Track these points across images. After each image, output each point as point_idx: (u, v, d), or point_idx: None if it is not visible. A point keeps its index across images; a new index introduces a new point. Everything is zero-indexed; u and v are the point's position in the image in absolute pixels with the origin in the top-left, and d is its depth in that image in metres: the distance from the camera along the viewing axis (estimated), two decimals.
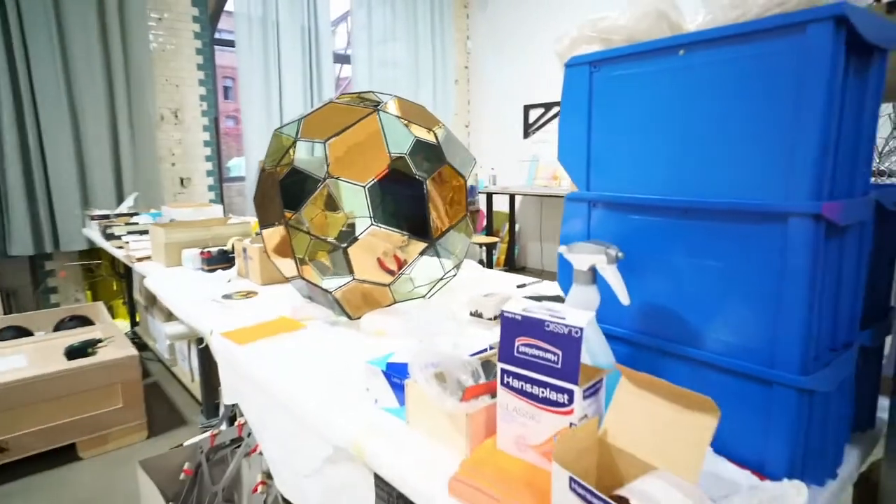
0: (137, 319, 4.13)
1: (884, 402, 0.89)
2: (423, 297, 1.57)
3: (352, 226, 1.50)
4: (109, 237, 3.09)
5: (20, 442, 2.34)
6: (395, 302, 1.50)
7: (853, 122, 0.68)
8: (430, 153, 1.42)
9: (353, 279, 1.38)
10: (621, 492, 0.53)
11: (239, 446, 1.97)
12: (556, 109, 5.81)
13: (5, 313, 3.81)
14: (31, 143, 3.77)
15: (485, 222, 6.21)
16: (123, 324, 4.20)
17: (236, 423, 2.01)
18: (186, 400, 3.05)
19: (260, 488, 1.80)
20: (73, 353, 2.55)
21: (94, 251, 4.21)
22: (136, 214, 3.54)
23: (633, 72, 0.76)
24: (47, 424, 2.39)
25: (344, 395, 1.03)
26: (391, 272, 1.45)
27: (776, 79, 0.62)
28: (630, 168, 0.79)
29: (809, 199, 0.61)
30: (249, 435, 1.94)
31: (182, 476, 1.96)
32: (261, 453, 1.87)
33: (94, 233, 3.42)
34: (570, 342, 0.65)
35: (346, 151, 1.36)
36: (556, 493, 0.57)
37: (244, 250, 2.09)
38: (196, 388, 2.88)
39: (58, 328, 3.31)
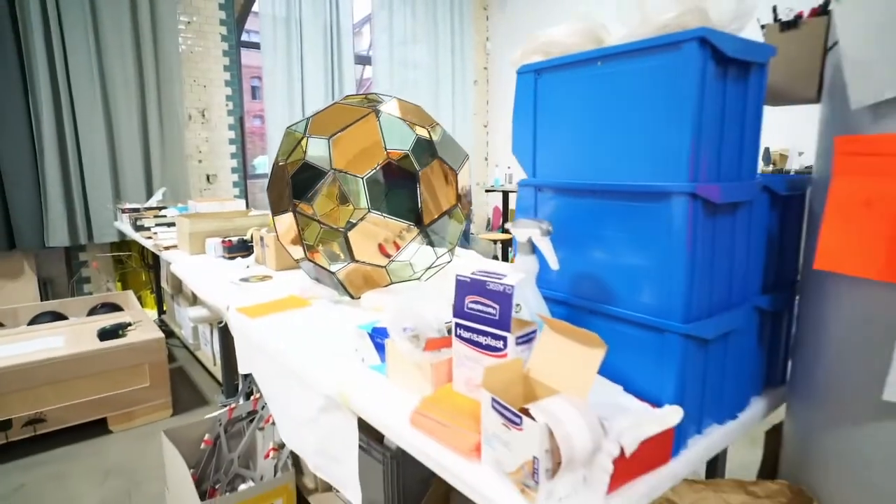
0: (164, 308, 4.36)
1: None
2: (419, 279, 1.72)
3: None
4: (139, 229, 3.30)
5: (56, 415, 2.55)
6: (393, 283, 1.65)
7: (737, 120, 0.82)
8: (425, 149, 1.57)
9: (353, 261, 1.54)
10: (527, 405, 0.67)
11: (254, 419, 2.14)
12: None
13: (42, 300, 4.06)
14: (69, 142, 4.02)
15: (501, 220, 6.34)
16: (151, 312, 4.44)
17: (252, 398, 2.19)
18: (209, 383, 3.24)
19: (271, 454, 1.97)
20: (105, 334, 2.76)
21: (124, 243, 4.45)
22: (164, 208, 3.76)
23: (565, 78, 0.90)
24: (81, 399, 2.60)
25: (337, 357, 1.19)
26: (389, 257, 1.61)
27: (661, 84, 0.76)
28: (564, 158, 0.93)
29: (686, 181, 0.75)
30: (263, 408, 2.12)
31: (202, 446, 2.13)
32: (273, 424, 2.05)
33: (125, 225, 3.65)
34: (504, 298, 0.79)
35: (348, 147, 1.52)
36: (484, 413, 0.72)
37: (261, 239, 2.27)
38: (218, 372, 3.07)
39: (91, 314, 3.54)
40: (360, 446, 1.57)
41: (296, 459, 2.08)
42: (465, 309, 0.85)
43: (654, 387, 0.80)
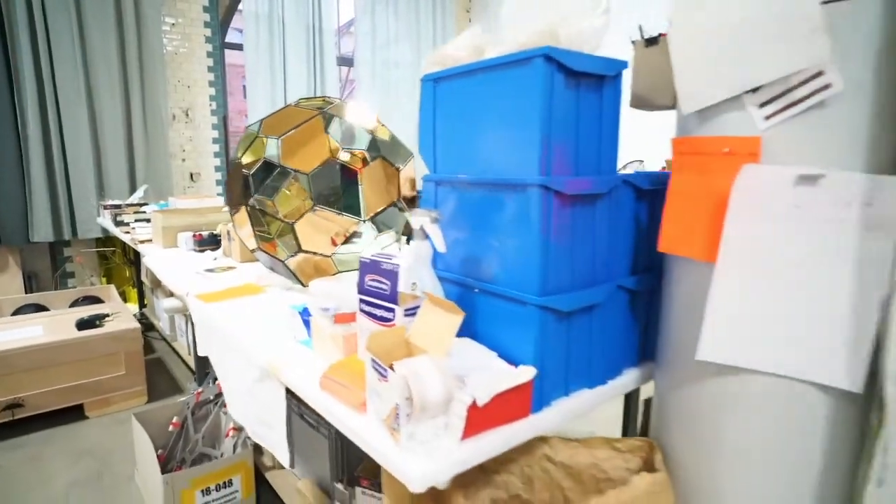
0: (146, 302, 4.47)
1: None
2: None
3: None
4: (119, 224, 3.42)
5: (34, 400, 2.67)
6: (340, 272, 1.78)
7: (593, 123, 0.95)
8: (369, 148, 1.70)
9: (301, 251, 1.67)
10: (393, 362, 0.80)
11: (219, 401, 2.27)
12: None
13: (27, 294, 4.17)
14: (54, 140, 4.12)
15: None
16: (133, 306, 4.55)
17: (216, 382, 2.31)
18: (184, 372, 3.36)
19: (231, 433, 2.10)
20: (83, 324, 2.88)
21: (109, 240, 4.56)
22: (145, 204, 3.87)
23: (455, 86, 1.03)
24: (58, 386, 2.72)
25: (275, 335, 1.32)
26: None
27: (518, 92, 0.89)
28: (455, 155, 1.06)
29: (537, 174, 0.88)
30: None
31: (171, 428, 2.25)
32: None
33: (106, 221, 3.76)
34: (393, 275, 0.93)
35: (296, 146, 1.65)
36: (367, 372, 0.85)
37: (228, 232, 2.39)
38: (192, 361, 3.19)
39: (73, 306, 3.65)
40: (309, 424, 1.71)
41: None
42: (366, 286, 0.99)
43: (520, 352, 0.93)
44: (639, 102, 1.09)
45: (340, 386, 0.94)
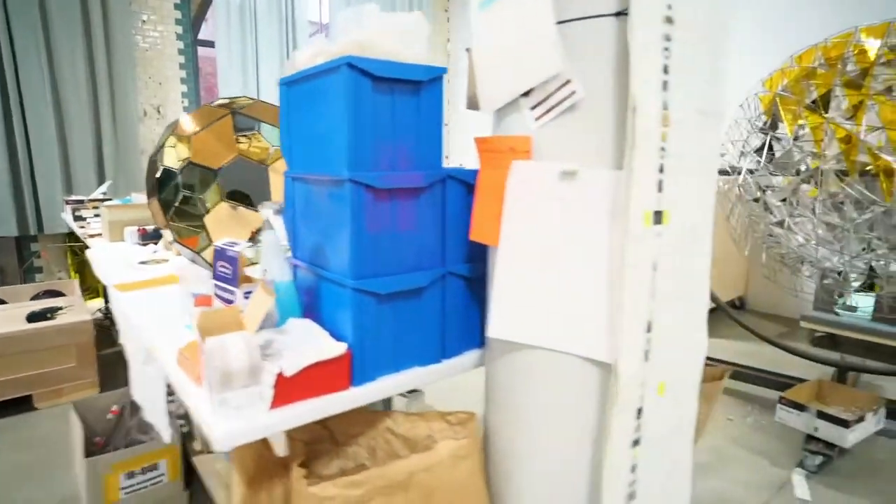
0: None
1: None
2: None
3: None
4: (77, 219, 3.50)
5: None
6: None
7: (411, 124, 1.04)
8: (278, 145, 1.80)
9: (212, 243, 1.76)
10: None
11: None
12: None
13: None
14: (18, 135, 4.20)
15: None
16: (99, 301, 4.63)
17: None
18: None
19: None
20: (34, 317, 2.96)
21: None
22: (107, 200, 3.95)
23: (298, 90, 1.13)
24: (6, 377, 2.80)
25: (172, 322, 1.41)
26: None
27: (332, 96, 0.99)
28: (303, 153, 1.16)
29: (348, 170, 0.97)
30: None
31: (109, 416, 2.35)
32: None
33: (67, 215, 3.84)
34: (234, 261, 1.02)
35: (207, 143, 1.74)
36: (199, 347, 0.95)
37: None
38: None
39: (34, 299, 3.74)
40: None
41: (190, 425, 2.31)
42: (217, 271, 1.08)
43: (342, 331, 1.02)
44: (471, 104, 1.18)
45: (188, 361, 1.04)
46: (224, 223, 1.78)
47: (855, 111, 2.24)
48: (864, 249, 2.40)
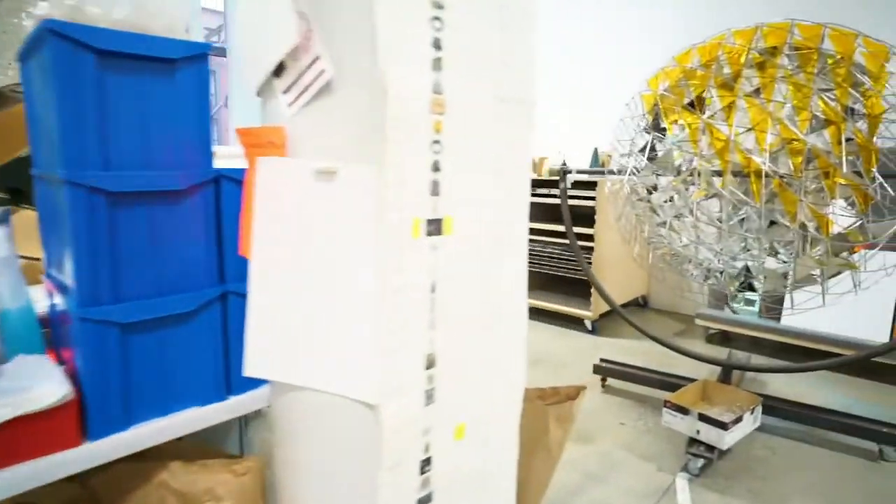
0: None
1: None
2: None
3: None
4: None
5: None
6: None
7: (165, 114, 0.85)
8: None
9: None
10: None
11: None
12: None
13: None
14: None
15: None
16: None
17: None
18: None
19: None
20: None
21: None
22: None
23: (31, 66, 0.91)
24: None
25: None
26: None
27: (49, 76, 0.78)
28: (39, 145, 0.94)
29: (63, 167, 0.77)
30: None
31: None
32: None
33: None
34: None
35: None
36: None
37: None
38: None
39: None
40: None
41: None
42: None
43: (77, 371, 0.82)
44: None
45: None
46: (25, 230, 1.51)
47: (729, 112, 2.22)
48: (743, 249, 2.40)
